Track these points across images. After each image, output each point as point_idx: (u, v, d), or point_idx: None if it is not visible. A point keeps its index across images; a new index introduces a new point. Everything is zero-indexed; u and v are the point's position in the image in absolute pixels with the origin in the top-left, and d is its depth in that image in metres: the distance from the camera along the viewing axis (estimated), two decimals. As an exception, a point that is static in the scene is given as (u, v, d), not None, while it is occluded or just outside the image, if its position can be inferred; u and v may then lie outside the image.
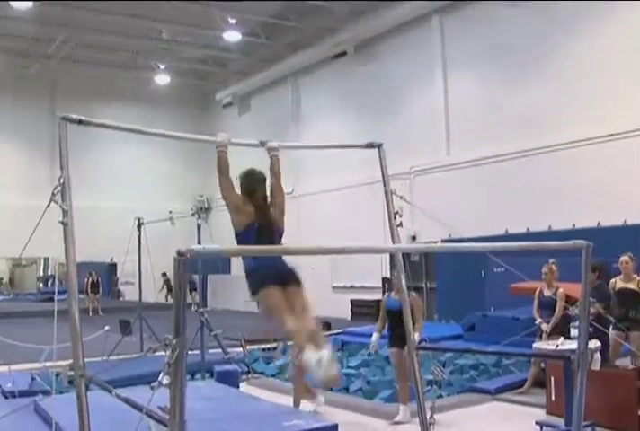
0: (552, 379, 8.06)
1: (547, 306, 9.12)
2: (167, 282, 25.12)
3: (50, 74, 27.65)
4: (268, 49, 25.60)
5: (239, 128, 28.40)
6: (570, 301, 9.00)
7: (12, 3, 20.71)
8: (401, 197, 5.89)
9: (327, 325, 16.73)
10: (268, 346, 13.80)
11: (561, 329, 8.81)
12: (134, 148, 28.58)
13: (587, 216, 14.95)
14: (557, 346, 7.49)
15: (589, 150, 15.66)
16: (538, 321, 9.11)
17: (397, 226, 5.83)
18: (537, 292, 9.26)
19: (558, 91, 16.50)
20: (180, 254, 2.71)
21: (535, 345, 8.08)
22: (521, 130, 17.12)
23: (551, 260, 9.21)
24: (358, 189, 21.63)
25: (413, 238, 19.45)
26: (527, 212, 16.38)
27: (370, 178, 19.86)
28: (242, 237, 5.11)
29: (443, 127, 19.54)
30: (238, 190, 5.41)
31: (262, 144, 5.66)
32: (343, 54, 22.88)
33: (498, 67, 18.10)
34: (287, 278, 4.99)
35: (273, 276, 4.92)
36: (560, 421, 6.98)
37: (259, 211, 5.23)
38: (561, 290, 9.09)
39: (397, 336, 7.94)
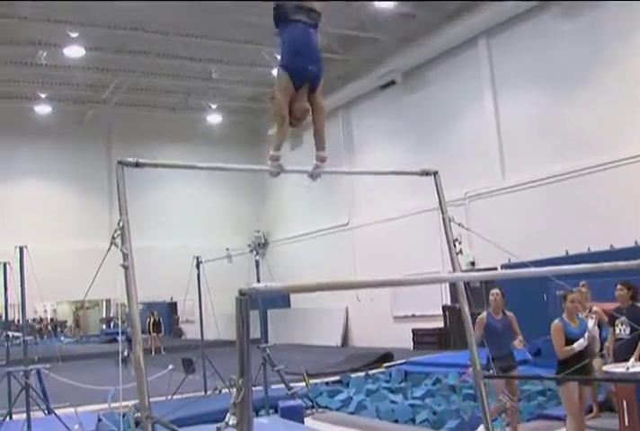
0: (624, 403, 7.83)
1: None
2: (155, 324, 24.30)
3: (106, 118, 28.26)
4: (317, 83, 25.74)
5: (291, 162, 28.51)
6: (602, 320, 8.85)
7: (65, 51, 21.21)
8: (459, 225, 5.84)
9: (389, 356, 16.61)
10: (331, 379, 13.72)
11: (628, 351, 8.56)
12: (188, 187, 28.94)
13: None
14: (628, 368, 7.28)
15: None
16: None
17: (457, 254, 5.77)
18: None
19: (612, 107, 16.25)
20: (242, 293, 2.71)
21: (604, 368, 7.87)
22: (576, 149, 16.88)
23: (582, 282, 9.03)
24: (412, 218, 21.54)
25: (472, 264, 19.26)
26: (587, 232, 16.08)
27: (425, 205, 19.84)
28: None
29: (497, 151, 19.37)
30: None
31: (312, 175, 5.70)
32: (392, 83, 22.94)
33: (548, 87, 17.94)
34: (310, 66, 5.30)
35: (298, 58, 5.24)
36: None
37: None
38: (595, 309, 8.90)
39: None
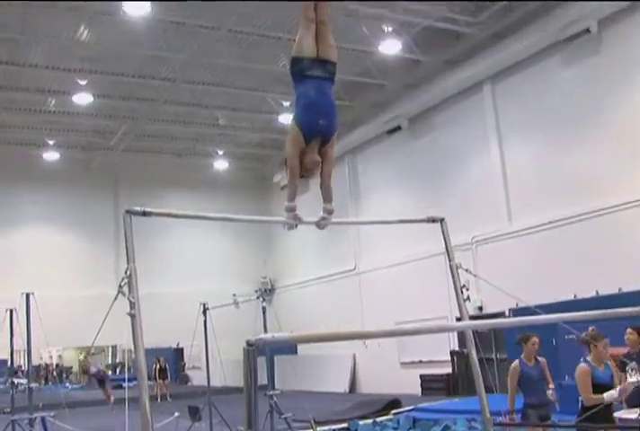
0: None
1: None
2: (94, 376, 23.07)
3: (113, 164, 28.44)
4: (323, 129, 25.92)
5: (298, 210, 28.64)
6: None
7: (73, 98, 21.47)
8: (467, 271, 5.83)
9: (397, 402, 16.45)
10: (338, 426, 13.57)
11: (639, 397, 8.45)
12: (195, 233, 28.97)
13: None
14: (640, 414, 7.19)
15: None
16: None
17: (465, 300, 5.75)
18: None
19: (615, 152, 16.33)
20: (249, 344, 2.70)
21: (616, 414, 7.77)
22: (581, 193, 16.92)
23: (590, 328, 8.93)
24: (419, 263, 21.50)
25: (480, 309, 19.15)
26: (595, 275, 16.02)
27: (432, 250, 19.82)
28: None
29: (503, 195, 19.41)
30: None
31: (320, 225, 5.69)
32: (398, 128, 23.09)
33: (551, 132, 18.04)
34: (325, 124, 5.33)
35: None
36: None
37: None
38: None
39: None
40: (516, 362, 8.21)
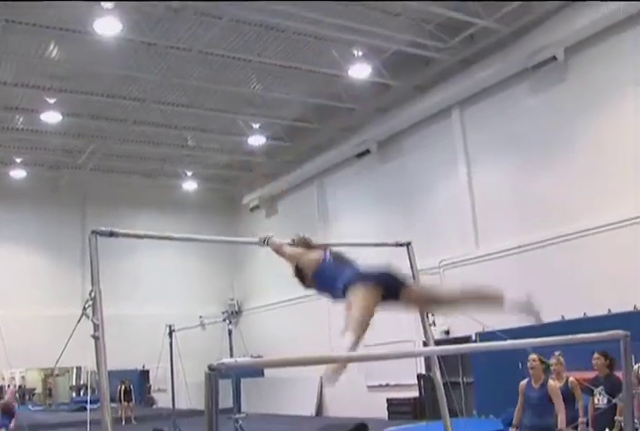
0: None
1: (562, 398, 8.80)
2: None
3: (80, 184, 28.25)
4: (292, 152, 26.03)
5: (267, 231, 28.37)
6: (582, 389, 8.79)
7: (42, 117, 21.32)
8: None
9: (364, 426, 16.36)
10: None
11: (607, 420, 8.49)
12: (162, 254, 28.78)
13: (622, 301, 14.67)
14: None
15: (619, 234, 15.52)
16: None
17: (430, 325, 5.77)
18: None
19: (583, 175, 16.51)
20: (211, 369, 2.68)
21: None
22: (549, 217, 17.07)
23: (557, 352, 8.98)
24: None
25: (447, 332, 19.18)
26: (561, 299, 16.07)
27: (400, 274, 19.83)
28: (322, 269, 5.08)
29: (470, 219, 19.53)
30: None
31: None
32: (367, 152, 23.18)
33: (519, 156, 18.23)
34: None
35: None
36: None
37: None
38: (572, 379, 8.81)
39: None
40: (524, 381, 8.23)
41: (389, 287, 4.90)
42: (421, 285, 5.29)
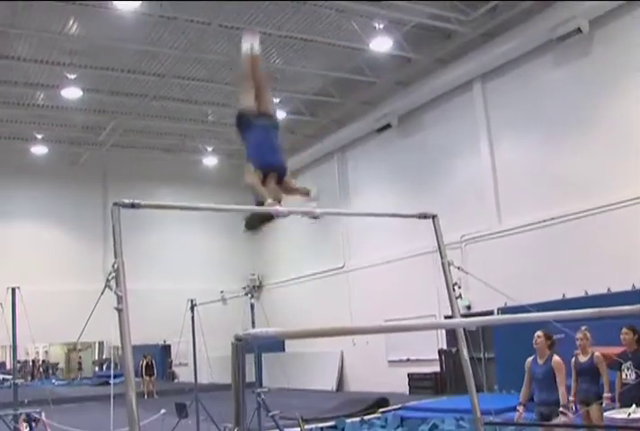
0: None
1: (586, 373, 8.72)
2: None
3: (101, 160, 28.31)
4: (313, 126, 25.93)
5: (287, 205, 28.56)
6: (608, 364, 8.71)
7: (62, 93, 21.32)
8: (459, 268, 5.77)
9: (385, 401, 16.41)
10: (326, 424, 13.51)
11: (635, 396, 8.37)
12: (184, 230, 28.86)
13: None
14: (629, 414, 7.16)
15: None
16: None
17: (457, 298, 5.70)
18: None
19: (606, 151, 16.30)
20: (238, 339, 2.64)
21: (606, 414, 7.74)
22: (571, 192, 16.90)
23: (583, 327, 8.90)
24: (408, 261, 21.49)
25: (468, 307, 19.12)
26: (584, 275, 16.00)
27: (420, 249, 19.84)
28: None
29: (492, 194, 19.37)
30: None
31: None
32: (388, 126, 22.99)
33: (542, 131, 18.02)
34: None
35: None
36: None
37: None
38: (597, 354, 8.74)
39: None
40: (530, 357, 8.19)
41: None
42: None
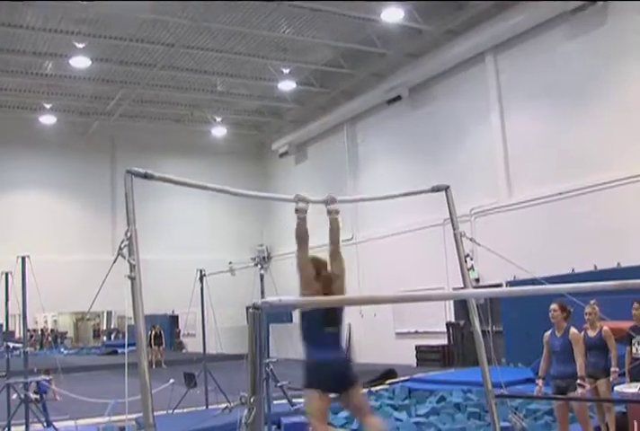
0: (635, 424, 7.69)
1: (594, 348, 8.68)
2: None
3: (110, 129, 28.20)
4: (323, 97, 25.78)
5: (296, 177, 28.53)
6: (618, 338, 8.68)
7: (71, 62, 21.21)
8: (471, 240, 5.73)
9: (393, 372, 16.47)
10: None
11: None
12: (192, 200, 28.79)
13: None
14: (640, 388, 7.16)
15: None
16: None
17: (469, 270, 5.66)
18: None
19: (618, 125, 16.17)
20: (256, 307, 2.60)
21: (616, 388, 7.73)
22: (583, 167, 16.79)
23: (592, 301, 8.85)
24: (417, 233, 21.47)
25: (477, 280, 19.12)
26: (594, 250, 15.95)
27: (429, 221, 19.79)
28: (309, 315, 5.77)
29: (502, 167, 19.27)
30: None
31: (327, 203, 5.79)
32: (398, 98, 22.81)
33: (555, 103, 17.87)
34: (341, 382, 5.59)
35: (327, 378, 5.56)
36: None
37: (325, 289, 5.89)
38: (606, 328, 8.67)
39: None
40: (549, 331, 8.14)
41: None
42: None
